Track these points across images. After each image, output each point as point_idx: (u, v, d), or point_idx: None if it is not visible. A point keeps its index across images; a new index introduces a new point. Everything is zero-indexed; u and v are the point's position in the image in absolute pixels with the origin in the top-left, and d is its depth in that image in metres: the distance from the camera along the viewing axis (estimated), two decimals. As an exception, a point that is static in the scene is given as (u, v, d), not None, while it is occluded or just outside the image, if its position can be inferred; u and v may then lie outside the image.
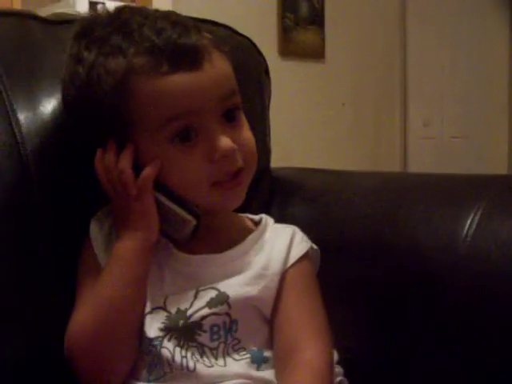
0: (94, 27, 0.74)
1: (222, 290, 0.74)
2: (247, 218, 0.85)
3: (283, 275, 0.76)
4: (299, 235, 0.81)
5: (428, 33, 4.01)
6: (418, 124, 4.15)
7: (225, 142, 0.71)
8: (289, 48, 3.44)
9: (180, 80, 0.70)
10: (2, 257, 0.76)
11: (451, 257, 0.79)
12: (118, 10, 0.76)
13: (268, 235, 0.80)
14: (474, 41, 3.91)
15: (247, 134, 0.77)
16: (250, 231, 0.80)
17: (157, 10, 0.77)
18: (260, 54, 1.08)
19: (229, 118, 0.74)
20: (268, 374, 0.73)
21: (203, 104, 0.71)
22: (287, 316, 0.75)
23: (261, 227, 0.81)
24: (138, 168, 0.72)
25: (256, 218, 0.85)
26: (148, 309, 0.74)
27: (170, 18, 0.74)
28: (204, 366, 0.71)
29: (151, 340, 0.72)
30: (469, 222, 0.80)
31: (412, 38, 4.07)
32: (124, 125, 0.72)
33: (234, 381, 0.71)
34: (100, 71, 0.71)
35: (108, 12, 0.76)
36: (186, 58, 0.70)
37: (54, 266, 0.79)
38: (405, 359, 0.83)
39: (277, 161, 1.11)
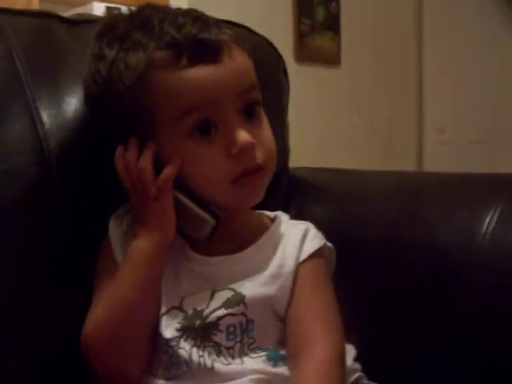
0: (115, 25, 0.75)
1: (239, 290, 0.74)
2: (263, 214, 0.84)
3: (295, 272, 0.76)
4: (313, 232, 0.80)
5: (444, 39, 3.99)
6: (434, 129, 4.13)
7: (243, 135, 0.71)
8: (305, 53, 3.44)
9: (199, 73, 0.70)
10: (23, 251, 0.77)
11: (471, 254, 0.79)
12: (140, 8, 0.77)
13: (283, 232, 0.80)
14: (489, 47, 3.89)
15: (267, 132, 0.77)
16: (265, 229, 0.80)
17: (178, 8, 0.77)
18: (278, 53, 1.08)
19: (249, 114, 0.74)
20: (284, 370, 0.73)
21: (222, 96, 0.71)
22: (298, 312, 0.74)
23: (275, 224, 0.81)
24: (158, 166, 0.72)
25: (271, 214, 0.84)
26: (164, 309, 0.74)
27: (191, 14, 0.74)
28: (221, 364, 0.72)
29: (168, 340, 0.73)
30: (488, 219, 0.80)
31: (428, 43, 4.06)
32: (144, 120, 0.72)
33: (252, 376, 0.71)
34: (121, 66, 0.71)
35: (130, 10, 0.77)
36: (206, 51, 0.71)
37: (74, 262, 0.80)
38: (425, 356, 0.83)
39: (291, 164, 1.11)
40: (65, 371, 0.79)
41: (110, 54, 0.73)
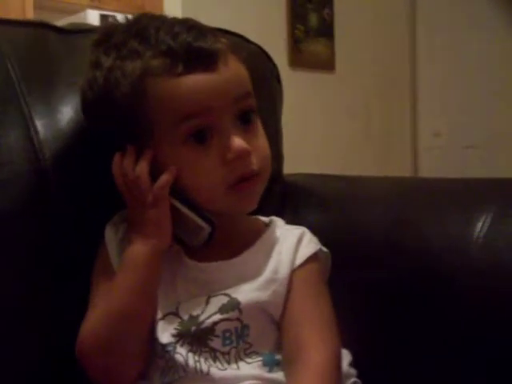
0: (112, 34, 0.76)
1: (233, 295, 0.74)
2: (258, 219, 0.85)
3: (290, 277, 0.76)
4: (308, 236, 0.81)
5: (437, 43, 4.01)
6: (428, 134, 4.14)
7: (238, 142, 0.72)
8: (299, 59, 3.45)
9: (194, 80, 0.71)
10: (19, 262, 0.77)
11: (463, 258, 0.80)
12: (136, 17, 0.78)
13: (277, 237, 0.80)
14: (483, 51, 3.90)
15: (262, 139, 0.78)
16: (260, 234, 0.81)
17: (174, 17, 0.78)
18: (271, 61, 1.09)
19: (244, 121, 0.75)
20: (280, 375, 0.73)
21: (217, 104, 0.72)
22: (293, 317, 0.75)
23: (270, 229, 0.82)
24: (155, 173, 0.73)
25: (266, 219, 0.85)
26: (160, 315, 0.74)
27: (187, 23, 0.75)
28: (217, 369, 0.72)
29: (164, 346, 0.73)
30: (480, 224, 0.80)
31: (421, 48, 4.08)
32: (141, 127, 0.73)
33: (247, 382, 0.72)
34: (117, 74, 0.72)
35: (127, 19, 0.78)
36: (201, 60, 0.71)
37: (71, 270, 0.80)
38: (415, 359, 0.83)
39: (287, 170, 1.11)
40: (63, 377, 0.79)
41: (107, 61, 0.73)
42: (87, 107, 0.78)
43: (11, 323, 0.76)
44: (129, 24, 0.77)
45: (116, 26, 0.78)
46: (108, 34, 0.77)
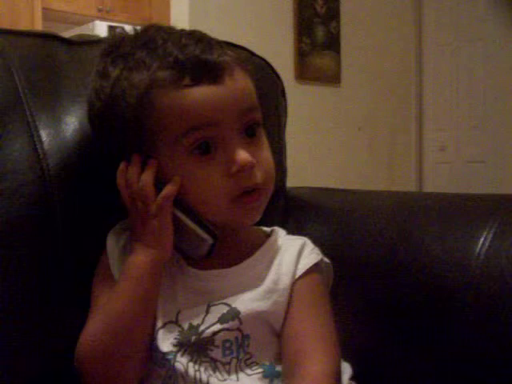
0: (120, 44, 0.77)
1: (233, 305, 0.74)
2: (259, 229, 0.85)
3: (291, 287, 0.76)
4: (309, 247, 0.81)
5: (444, 57, 4.02)
6: (434, 148, 4.15)
7: (243, 155, 0.72)
8: (305, 72, 3.47)
9: (200, 92, 0.71)
10: (23, 271, 0.77)
11: (464, 274, 0.79)
12: (145, 28, 0.78)
13: (279, 247, 0.80)
14: (489, 65, 3.91)
15: (266, 152, 0.78)
16: (260, 243, 0.81)
17: (182, 29, 0.78)
18: (276, 74, 1.09)
19: (249, 134, 0.75)
20: None
21: (223, 116, 0.72)
22: (293, 329, 0.75)
23: (272, 238, 0.82)
24: (159, 184, 0.73)
25: (268, 230, 0.85)
26: (160, 323, 0.75)
27: (195, 35, 0.75)
28: (217, 379, 0.72)
29: (165, 354, 0.73)
30: (482, 240, 0.80)
31: (428, 62, 4.09)
32: (147, 138, 0.73)
33: None
34: (124, 85, 0.73)
35: (135, 30, 0.78)
36: (208, 72, 0.72)
37: (74, 279, 0.80)
38: (416, 374, 0.83)
39: (291, 183, 1.11)
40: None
41: (114, 72, 0.74)
42: (93, 116, 0.78)
43: (10, 329, 0.77)
44: (136, 35, 0.77)
45: (124, 36, 0.78)
46: (116, 44, 0.77)
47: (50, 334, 0.80)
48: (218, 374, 0.73)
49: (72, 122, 0.83)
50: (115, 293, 0.73)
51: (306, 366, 0.72)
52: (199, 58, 0.72)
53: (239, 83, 0.74)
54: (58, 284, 0.80)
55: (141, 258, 0.73)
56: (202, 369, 0.72)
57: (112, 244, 0.79)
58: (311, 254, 0.80)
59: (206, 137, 0.72)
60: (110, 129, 0.76)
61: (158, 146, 0.73)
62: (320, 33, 3.52)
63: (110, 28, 3.72)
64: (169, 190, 0.73)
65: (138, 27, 0.79)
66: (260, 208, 0.77)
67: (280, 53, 3.25)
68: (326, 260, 0.82)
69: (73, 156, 0.82)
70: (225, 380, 0.72)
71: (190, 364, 0.73)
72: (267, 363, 0.74)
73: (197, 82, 0.71)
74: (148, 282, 0.73)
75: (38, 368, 0.79)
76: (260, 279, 0.77)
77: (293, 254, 0.78)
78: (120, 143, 0.76)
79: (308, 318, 0.75)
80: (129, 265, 0.74)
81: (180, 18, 3.10)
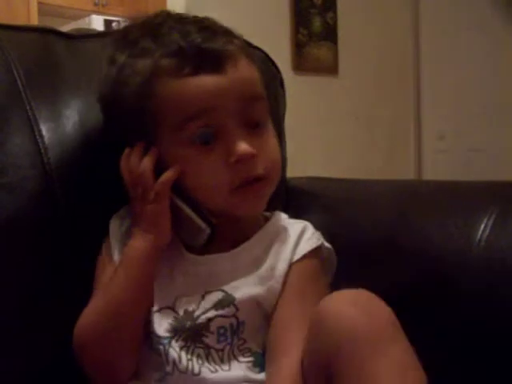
0: (128, 31, 0.78)
1: (229, 291, 0.75)
2: (259, 214, 0.84)
3: (287, 272, 0.76)
4: (309, 231, 0.80)
5: (441, 46, 4.01)
6: (433, 137, 4.14)
7: (242, 145, 0.72)
8: (302, 63, 3.46)
9: (201, 81, 0.72)
10: (26, 265, 0.78)
11: (465, 260, 0.80)
12: (153, 16, 0.79)
13: (278, 230, 0.80)
14: (488, 53, 3.90)
15: (272, 142, 0.78)
16: (258, 228, 0.80)
17: (195, 16, 0.78)
18: (274, 65, 1.09)
19: (253, 124, 0.75)
20: None
21: (222, 105, 0.72)
22: (278, 315, 0.74)
23: (271, 222, 0.82)
24: (160, 171, 0.74)
25: (267, 214, 0.84)
26: (156, 307, 0.75)
27: (202, 23, 0.76)
28: (208, 370, 0.72)
29: (160, 338, 0.74)
30: (483, 226, 0.80)
31: (425, 51, 4.08)
32: (149, 125, 0.74)
33: None
34: (129, 71, 0.74)
35: (146, 17, 0.79)
36: (209, 61, 0.72)
37: (75, 273, 0.81)
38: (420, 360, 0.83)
39: (290, 174, 1.12)
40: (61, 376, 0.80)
41: (121, 58, 0.75)
42: (102, 100, 0.79)
43: (13, 320, 0.77)
44: (144, 22, 0.78)
45: (133, 23, 0.79)
46: (125, 31, 0.78)
47: (52, 328, 0.80)
48: (210, 362, 0.73)
49: (72, 116, 0.83)
50: (113, 277, 0.74)
51: (281, 357, 0.71)
52: (201, 46, 0.72)
53: (242, 72, 0.74)
54: (62, 278, 0.80)
55: (139, 243, 0.74)
56: (195, 357, 0.73)
57: (114, 227, 0.80)
58: (311, 239, 0.79)
59: (205, 126, 0.72)
60: (115, 115, 0.77)
61: (159, 134, 0.74)
62: (317, 23, 3.51)
63: (107, 22, 3.71)
64: (167, 176, 0.73)
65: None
66: (262, 198, 0.77)
67: (277, 44, 3.24)
68: (327, 245, 0.81)
69: (73, 149, 0.82)
70: (216, 371, 0.72)
71: (183, 352, 0.73)
72: (259, 350, 0.75)
73: (198, 70, 0.72)
74: (145, 266, 0.74)
75: (38, 366, 0.80)
76: (257, 263, 0.77)
77: (292, 239, 0.78)
78: (124, 130, 0.76)
79: (292, 304, 0.74)
80: (128, 249, 0.75)
81: (176, 10, 3.09)
